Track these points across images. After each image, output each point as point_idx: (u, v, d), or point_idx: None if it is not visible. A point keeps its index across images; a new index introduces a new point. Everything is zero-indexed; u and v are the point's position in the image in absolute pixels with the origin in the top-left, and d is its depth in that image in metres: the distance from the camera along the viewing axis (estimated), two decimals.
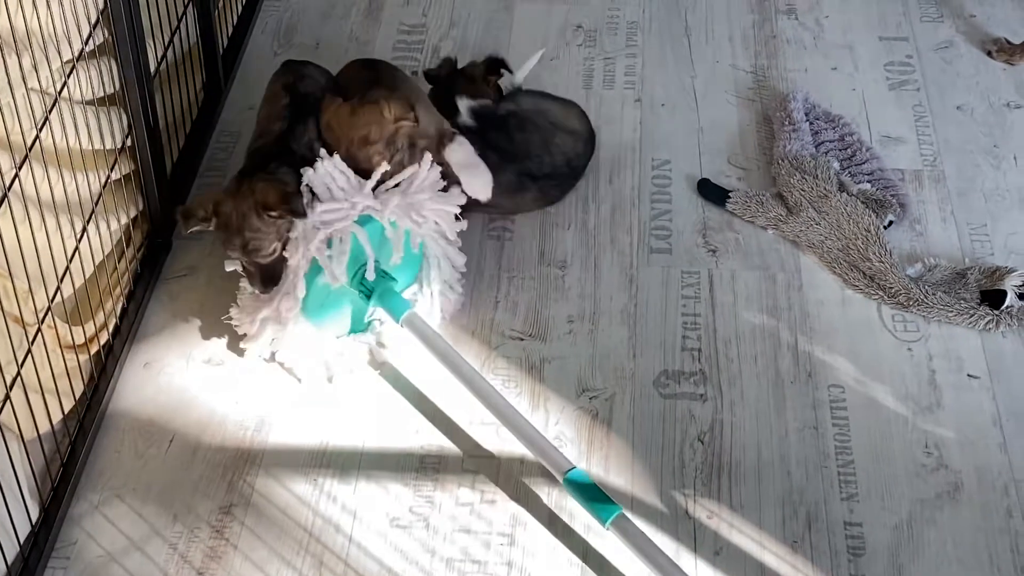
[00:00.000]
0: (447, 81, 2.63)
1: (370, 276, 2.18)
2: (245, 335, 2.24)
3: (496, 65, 2.65)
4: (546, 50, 2.90)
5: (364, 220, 2.17)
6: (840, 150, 2.69)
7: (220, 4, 2.79)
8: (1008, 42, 2.96)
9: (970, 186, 2.64)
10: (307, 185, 2.16)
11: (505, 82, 2.66)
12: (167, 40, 2.49)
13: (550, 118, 2.58)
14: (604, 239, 2.55)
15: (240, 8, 2.98)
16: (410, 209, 2.19)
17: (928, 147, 2.74)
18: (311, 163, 2.19)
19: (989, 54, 2.96)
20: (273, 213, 2.10)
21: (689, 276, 2.47)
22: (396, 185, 2.22)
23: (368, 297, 2.21)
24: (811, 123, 2.74)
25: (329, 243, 2.15)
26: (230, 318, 2.27)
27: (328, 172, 2.17)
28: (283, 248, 2.15)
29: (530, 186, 2.53)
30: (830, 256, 2.47)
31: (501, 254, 2.52)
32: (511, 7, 3.13)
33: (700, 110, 2.85)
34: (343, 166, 2.19)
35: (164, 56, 2.47)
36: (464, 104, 2.52)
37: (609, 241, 2.54)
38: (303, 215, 2.12)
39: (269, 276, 2.16)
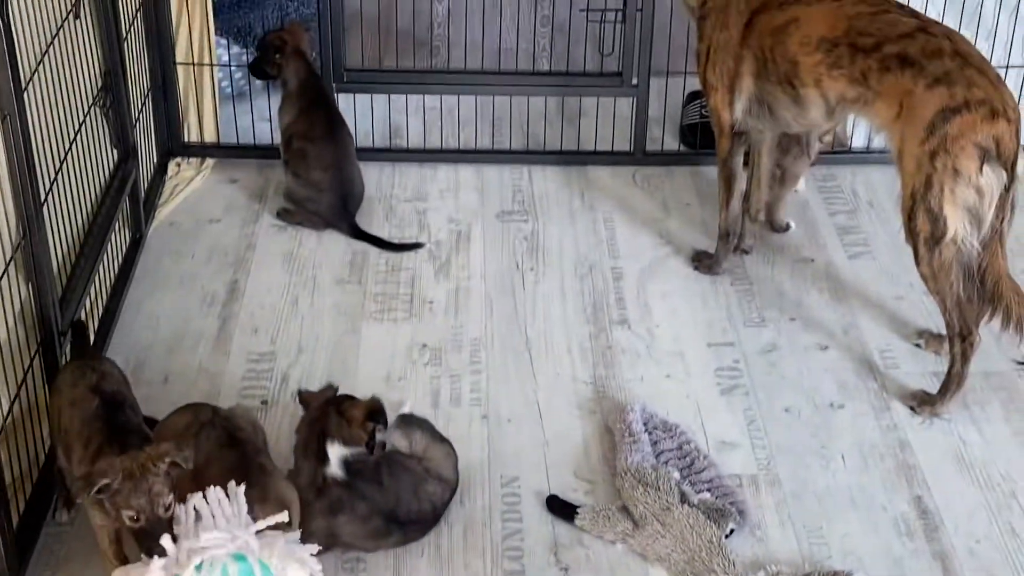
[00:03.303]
0: (321, 412, 2.60)
1: None
2: None
3: (376, 416, 2.59)
4: (411, 402, 2.97)
5: (239, 556, 2.16)
6: (679, 459, 2.81)
7: (66, 347, 2.82)
8: (932, 333, 3.17)
9: (803, 488, 2.77)
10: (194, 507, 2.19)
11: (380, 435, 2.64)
12: (14, 391, 2.51)
13: (425, 464, 2.63)
14: (458, 564, 2.58)
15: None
16: (292, 554, 2.19)
17: (761, 450, 2.87)
18: (147, 442, 2.30)
19: (918, 346, 3.17)
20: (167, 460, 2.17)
21: None
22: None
23: None
24: (650, 433, 2.86)
25: (199, 567, 2.13)
26: None
27: (217, 499, 2.20)
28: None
29: (395, 530, 2.56)
30: (677, 569, 2.54)
31: None
32: (358, 329, 3.24)
33: (545, 424, 2.95)
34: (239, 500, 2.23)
35: (10, 410, 2.47)
36: (336, 453, 2.52)
37: (463, 566, 2.57)
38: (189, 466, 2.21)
39: (158, 533, 2.16)
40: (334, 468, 2.53)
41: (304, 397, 2.66)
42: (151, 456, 2.18)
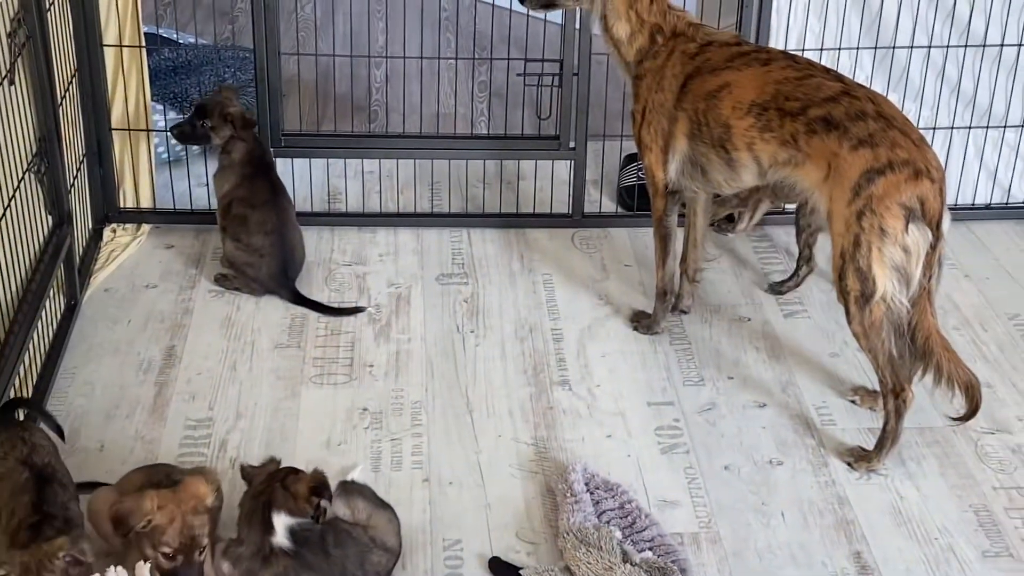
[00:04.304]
0: (266, 486, 2.52)
1: None
2: None
3: (320, 491, 2.50)
4: (364, 465, 2.95)
5: None
6: (621, 518, 2.81)
7: None
8: (867, 390, 3.21)
9: (744, 545, 2.78)
10: None
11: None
12: None
13: (370, 532, 2.60)
14: None
15: (22, 417, 2.96)
16: None
17: (702, 508, 2.89)
18: (69, 524, 2.29)
19: (853, 402, 3.20)
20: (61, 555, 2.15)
21: None
22: None
23: None
24: (592, 493, 2.86)
25: None
26: None
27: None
28: None
29: None
30: None
31: None
32: (297, 394, 3.22)
33: (487, 486, 2.94)
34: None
35: None
36: (281, 523, 2.47)
37: None
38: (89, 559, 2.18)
39: None
40: (280, 538, 2.49)
41: (246, 472, 2.59)
42: (48, 552, 2.15)
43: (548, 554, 2.74)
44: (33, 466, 2.40)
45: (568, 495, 2.82)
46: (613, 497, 2.86)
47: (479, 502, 2.89)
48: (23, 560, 2.15)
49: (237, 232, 3.56)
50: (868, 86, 3.16)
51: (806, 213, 3.52)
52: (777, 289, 3.67)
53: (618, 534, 2.73)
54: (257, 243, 3.54)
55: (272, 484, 2.53)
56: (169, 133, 3.70)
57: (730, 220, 3.92)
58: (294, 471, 2.57)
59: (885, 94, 3.47)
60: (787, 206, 3.95)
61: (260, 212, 3.56)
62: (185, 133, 3.63)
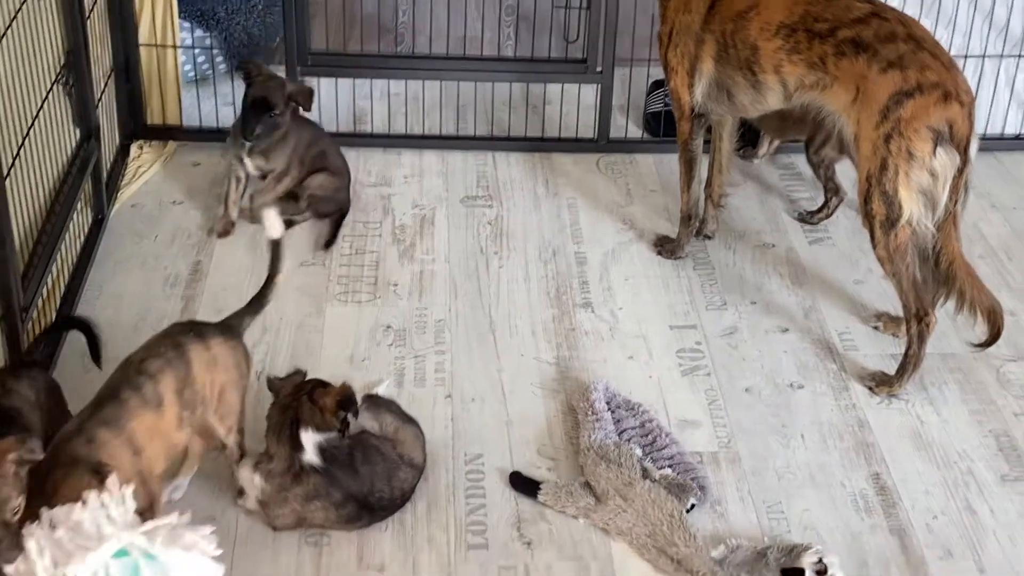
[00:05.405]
0: (292, 399, 2.54)
1: None
2: None
3: (348, 405, 2.51)
4: (389, 381, 2.98)
5: (120, 552, 2.07)
6: (642, 436, 2.83)
7: (28, 324, 2.81)
8: (890, 316, 3.21)
9: (763, 465, 2.80)
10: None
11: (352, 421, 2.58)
12: None
13: (399, 448, 2.63)
14: (421, 539, 2.59)
15: (46, 327, 3.00)
16: (177, 540, 2.11)
17: (722, 429, 2.90)
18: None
19: (876, 328, 3.21)
20: (9, 458, 2.01)
21: (507, 571, 2.52)
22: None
23: None
24: (613, 411, 2.88)
25: None
26: None
27: (100, 503, 2.11)
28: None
29: (365, 516, 2.57)
30: (638, 542, 2.56)
31: (319, 561, 2.52)
32: (321, 311, 3.24)
33: (508, 403, 2.97)
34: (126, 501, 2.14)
35: None
36: (310, 440, 2.51)
37: (426, 540, 2.58)
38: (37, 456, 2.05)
39: (5, 541, 2.02)
40: (310, 455, 2.52)
41: (273, 383, 2.61)
42: None
43: (568, 470, 2.77)
44: None
45: (589, 413, 2.84)
46: (634, 416, 2.88)
47: (501, 418, 2.92)
48: None
49: (322, 163, 3.55)
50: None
51: (816, 148, 3.51)
52: (808, 219, 3.65)
53: (638, 451, 2.75)
54: (338, 164, 3.61)
55: (299, 397, 2.55)
56: (247, 140, 3.37)
57: (753, 146, 3.91)
58: (321, 383, 2.59)
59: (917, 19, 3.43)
60: None
61: (325, 140, 3.61)
62: (268, 130, 3.36)
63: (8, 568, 2.02)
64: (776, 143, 3.87)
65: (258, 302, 2.72)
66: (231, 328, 2.62)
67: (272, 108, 3.34)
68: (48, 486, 2.15)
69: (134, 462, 2.27)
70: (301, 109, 3.45)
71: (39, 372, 2.55)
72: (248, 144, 3.40)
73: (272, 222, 2.71)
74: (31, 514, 2.09)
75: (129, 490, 2.16)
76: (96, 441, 2.24)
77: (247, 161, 3.45)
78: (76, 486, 2.14)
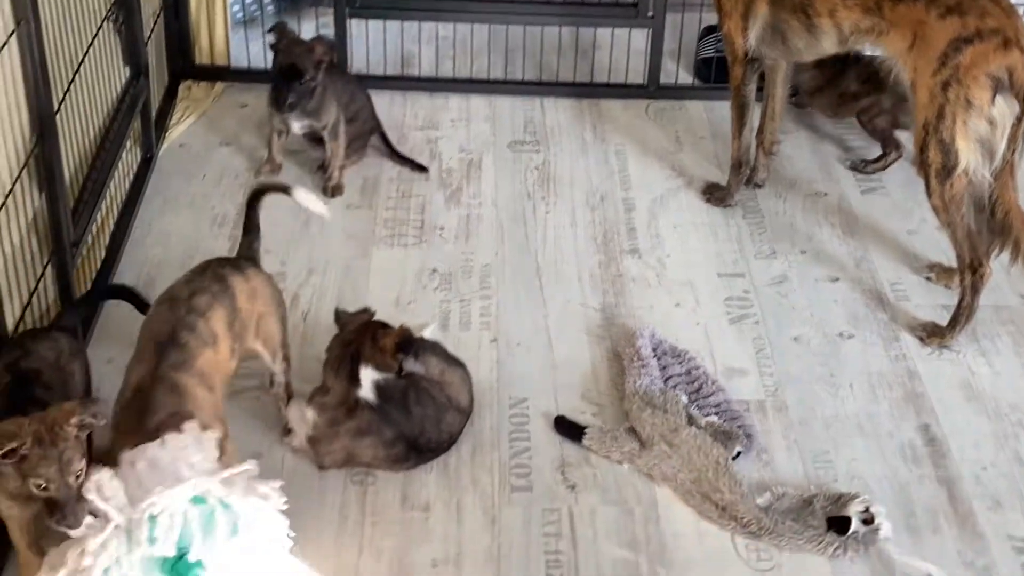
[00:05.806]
0: (357, 335, 2.57)
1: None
2: None
3: (408, 347, 2.53)
4: (435, 324, 2.95)
5: (197, 499, 2.04)
6: (687, 383, 2.81)
7: (79, 260, 2.83)
8: (943, 266, 3.17)
9: (811, 414, 2.78)
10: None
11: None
12: (26, 299, 2.51)
13: (447, 391, 2.63)
14: (466, 480, 2.59)
15: (99, 263, 3.02)
16: (253, 491, 2.10)
17: (769, 378, 2.88)
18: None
19: (928, 279, 3.17)
20: (74, 421, 2.00)
21: (550, 513, 2.52)
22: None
23: None
24: (659, 358, 2.86)
25: (152, 518, 1.99)
26: None
27: (182, 446, 2.11)
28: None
29: (413, 457, 2.59)
30: (683, 488, 2.56)
31: (364, 500, 2.54)
32: (368, 253, 3.24)
33: (554, 348, 2.95)
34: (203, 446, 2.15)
35: (21, 318, 2.48)
36: (368, 377, 2.52)
37: (471, 482, 2.59)
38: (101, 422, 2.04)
39: (69, 503, 1.99)
40: (366, 391, 2.53)
41: (340, 316, 2.64)
42: (58, 418, 1.99)
43: (613, 416, 2.76)
44: (17, 371, 2.30)
45: (635, 359, 2.83)
46: (680, 363, 2.86)
47: (546, 363, 2.91)
48: (35, 429, 1.98)
49: (355, 110, 3.53)
50: None
51: (869, 118, 3.50)
52: (861, 168, 3.59)
53: (684, 398, 2.74)
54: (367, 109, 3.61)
55: (363, 335, 2.57)
56: (286, 114, 3.34)
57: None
58: (384, 325, 2.60)
59: None
60: None
61: (356, 84, 3.61)
62: (302, 98, 3.30)
63: (73, 532, 1.99)
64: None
65: (254, 228, 2.68)
66: (255, 260, 2.62)
67: (302, 75, 3.28)
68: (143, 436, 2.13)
69: (212, 401, 2.28)
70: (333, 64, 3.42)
71: (62, 335, 2.49)
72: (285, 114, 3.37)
73: (315, 206, 2.77)
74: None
75: (210, 435, 2.17)
76: (179, 386, 2.23)
77: (293, 124, 3.42)
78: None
